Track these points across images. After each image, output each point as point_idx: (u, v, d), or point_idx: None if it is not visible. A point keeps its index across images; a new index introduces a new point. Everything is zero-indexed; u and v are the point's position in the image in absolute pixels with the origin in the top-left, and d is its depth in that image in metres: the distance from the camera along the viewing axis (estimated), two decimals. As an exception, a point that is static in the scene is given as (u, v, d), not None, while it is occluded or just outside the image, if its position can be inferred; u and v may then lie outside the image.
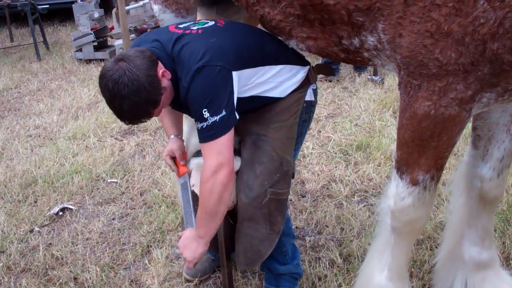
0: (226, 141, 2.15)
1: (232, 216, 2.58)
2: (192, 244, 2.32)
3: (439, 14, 1.74)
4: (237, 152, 2.49)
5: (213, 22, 2.36)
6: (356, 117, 4.98)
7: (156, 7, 2.84)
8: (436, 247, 3.12)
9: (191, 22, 2.40)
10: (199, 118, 2.13)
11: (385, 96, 5.39)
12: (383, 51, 2.05)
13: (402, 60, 1.92)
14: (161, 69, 2.14)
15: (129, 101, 2.05)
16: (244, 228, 2.46)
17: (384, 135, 4.56)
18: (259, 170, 2.37)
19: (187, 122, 3.46)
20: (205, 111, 2.10)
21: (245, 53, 2.25)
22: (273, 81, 2.33)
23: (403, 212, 2.22)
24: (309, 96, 2.49)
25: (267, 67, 2.32)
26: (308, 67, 2.48)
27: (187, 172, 2.55)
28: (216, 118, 2.10)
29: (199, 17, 3.08)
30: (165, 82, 2.16)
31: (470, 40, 1.73)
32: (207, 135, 2.13)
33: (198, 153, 2.53)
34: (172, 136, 2.64)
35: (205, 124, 2.11)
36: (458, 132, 2.01)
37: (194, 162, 2.52)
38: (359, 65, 5.80)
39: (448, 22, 1.74)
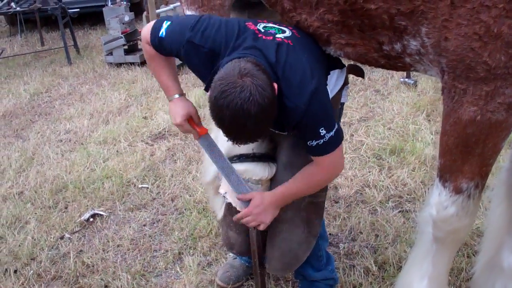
0: (341, 148, 2.19)
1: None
2: (270, 209, 2.32)
3: (489, 16, 1.66)
4: (271, 159, 2.43)
5: (288, 31, 2.20)
6: (389, 121, 4.87)
7: (189, 14, 2.79)
8: (473, 255, 3.03)
9: (267, 25, 2.22)
10: (313, 136, 2.08)
11: (419, 99, 5.27)
12: (426, 55, 1.97)
13: (448, 64, 1.84)
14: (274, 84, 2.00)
15: (256, 119, 1.88)
16: (282, 232, 2.44)
17: (418, 139, 4.45)
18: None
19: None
20: (322, 129, 2.07)
21: (321, 66, 2.24)
22: None
23: (446, 222, 2.14)
24: (344, 98, 2.48)
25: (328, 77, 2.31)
26: (345, 68, 2.43)
27: (207, 131, 2.43)
28: (332, 133, 2.09)
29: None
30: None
31: (521, 42, 1.65)
32: (324, 149, 2.12)
33: (231, 159, 2.46)
34: (178, 96, 2.41)
35: (322, 140, 2.08)
36: (504, 138, 1.93)
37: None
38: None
39: (498, 24, 1.65)
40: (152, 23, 2.32)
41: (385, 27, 2.00)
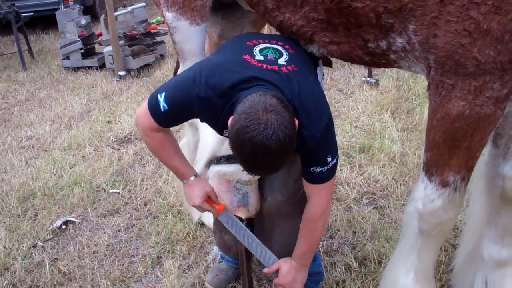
0: (335, 177, 2.21)
1: (250, 223, 2.57)
2: (299, 274, 2.40)
3: (478, 12, 1.71)
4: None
5: (284, 51, 2.17)
6: (355, 119, 4.95)
7: (169, 15, 2.76)
8: (450, 248, 3.11)
9: (261, 47, 2.16)
10: (319, 163, 2.09)
11: (382, 98, 5.37)
12: (411, 52, 2.01)
13: (437, 60, 1.88)
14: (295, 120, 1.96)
15: (275, 156, 1.84)
16: (281, 227, 2.48)
17: (385, 136, 4.53)
18: (292, 169, 2.37)
19: (191, 130, 3.39)
20: (329, 157, 2.09)
21: (316, 76, 2.28)
22: None
23: (432, 215, 2.19)
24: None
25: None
26: (321, 61, 2.47)
27: (225, 207, 2.40)
28: (334, 160, 2.12)
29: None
30: None
31: (510, 37, 1.71)
32: (325, 177, 2.14)
33: (218, 161, 2.45)
34: (193, 177, 2.34)
35: (326, 168, 2.10)
36: (490, 131, 1.99)
37: (214, 170, 2.44)
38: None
39: (488, 20, 1.71)
40: (141, 110, 2.19)
41: (372, 25, 2.03)
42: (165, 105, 2.09)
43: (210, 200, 2.36)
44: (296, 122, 1.94)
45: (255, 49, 2.14)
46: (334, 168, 2.14)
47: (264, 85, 1.98)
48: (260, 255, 2.44)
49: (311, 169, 2.11)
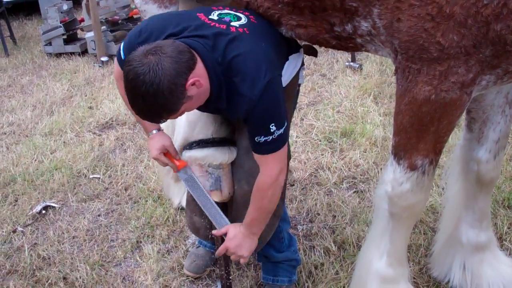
0: (285, 147, 2.17)
1: (225, 207, 2.56)
2: (246, 241, 2.34)
3: (441, -4, 1.72)
4: (231, 142, 2.44)
5: (244, 18, 2.17)
6: (338, 104, 4.96)
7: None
8: (430, 231, 3.14)
9: (221, 12, 2.17)
10: (262, 131, 2.06)
11: (365, 82, 5.38)
12: (377, 36, 2.01)
13: (401, 44, 1.89)
14: (194, 78, 1.92)
15: (143, 100, 1.88)
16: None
17: (367, 121, 4.55)
18: None
19: None
20: (272, 125, 2.05)
21: (279, 54, 2.24)
22: (284, 74, 2.26)
23: (401, 198, 2.20)
24: (301, 79, 2.50)
25: (285, 63, 2.30)
26: (301, 49, 2.46)
27: (186, 164, 2.42)
28: (281, 130, 2.08)
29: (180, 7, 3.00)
30: (193, 91, 1.95)
31: (473, 22, 1.71)
32: (272, 147, 2.11)
33: (190, 146, 2.46)
34: (155, 131, 2.41)
35: (271, 137, 2.07)
36: (458, 115, 2.00)
37: (186, 156, 2.44)
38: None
39: (450, 4, 1.71)
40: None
41: (336, 9, 2.03)
42: (123, 54, 2.17)
43: (169, 155, 2.38)
44: (191, 80, 1.91)
45: (214, 12, 2.15)
46: (281, 139, 2.10)
47: (197, 39, 2.01)
48: (213, 217, 2.43)
49: (256, 138, 2.09)
